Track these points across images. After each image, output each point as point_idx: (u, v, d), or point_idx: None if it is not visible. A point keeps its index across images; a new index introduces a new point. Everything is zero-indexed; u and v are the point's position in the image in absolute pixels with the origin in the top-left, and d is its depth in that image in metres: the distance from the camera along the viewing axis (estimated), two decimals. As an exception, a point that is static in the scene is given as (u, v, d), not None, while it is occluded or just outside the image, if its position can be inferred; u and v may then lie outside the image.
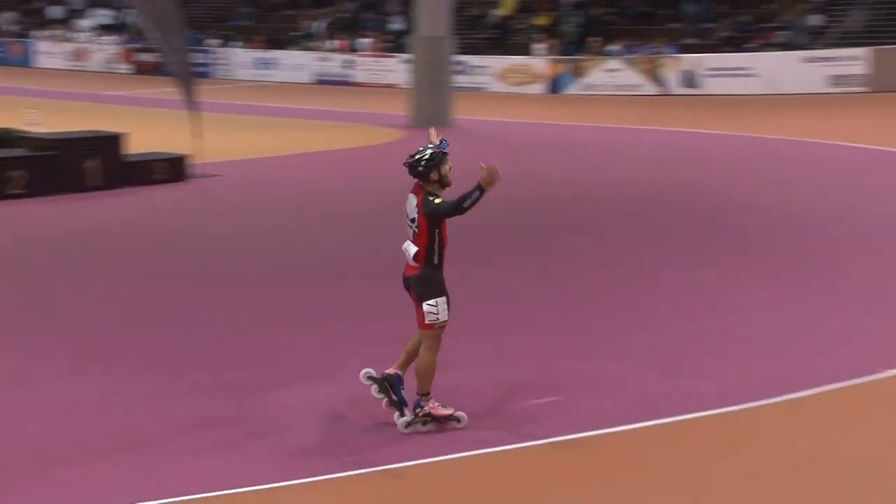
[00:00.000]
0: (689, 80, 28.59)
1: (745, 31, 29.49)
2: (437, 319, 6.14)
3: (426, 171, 6.13)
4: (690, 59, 28.79)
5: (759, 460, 5.95)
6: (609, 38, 31.47)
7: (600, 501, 5.54)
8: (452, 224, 6.16)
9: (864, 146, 17.95)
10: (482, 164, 5.92)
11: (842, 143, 18.46)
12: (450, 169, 6.17)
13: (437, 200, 6.05)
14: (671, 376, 7.27)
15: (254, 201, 14.61)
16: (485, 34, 34.85)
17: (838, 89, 25.86)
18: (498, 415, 6.56)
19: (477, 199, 5.93)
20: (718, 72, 28.14)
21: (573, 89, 30.67)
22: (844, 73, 25.94)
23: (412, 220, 6.15)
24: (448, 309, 6.17)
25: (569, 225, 12.82)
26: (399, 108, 23.72)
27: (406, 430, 6.30)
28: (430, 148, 6.18)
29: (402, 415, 6.36)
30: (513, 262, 10.90)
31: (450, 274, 6.20)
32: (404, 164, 6.19)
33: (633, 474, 5.80)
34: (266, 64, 36.28)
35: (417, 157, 6.14)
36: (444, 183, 6.16)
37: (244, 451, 6.06)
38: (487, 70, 32.26)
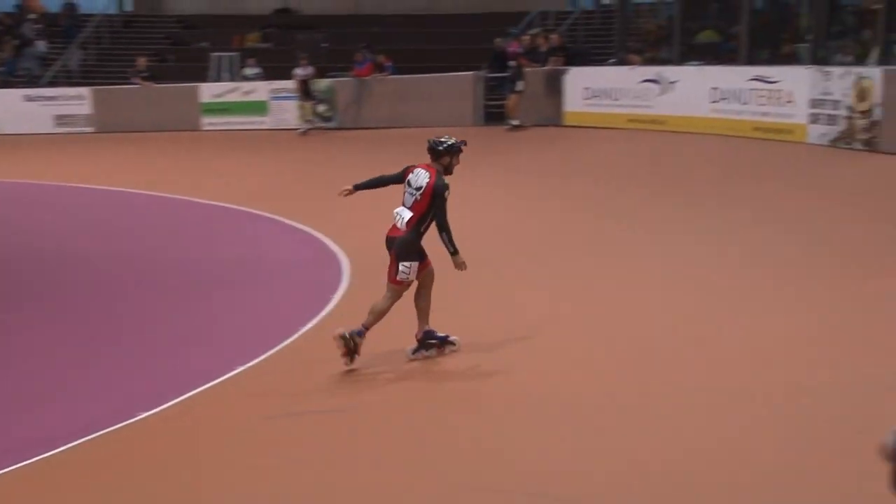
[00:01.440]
0: None
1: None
2: (407, 278, 7.64)
3: (442, 153, 7.73)
4: None
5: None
6: None
7: None
8: None
9: (98, 187, 18.31)
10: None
11: (76, 185, 18.58)
12: (457, 163, 7.83)
13: (447, 192, 7.58)
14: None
15: None
16: None
17: (65, 129, 25.80)
18: None
19: (446, 242, 7.62)
20: None
21: None
22: (70, 112, 25.97)
23: (417, 189, 7.59)
24: (416, 272, 7.64)
25: None
26: None
27: (351, 367, 7.68)
28: (454, 139, 7.80)
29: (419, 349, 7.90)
30: None
31: None
32: (428, 141, 7.82)
33: None
34: None
35: (442, 139, 7.80)
36: (448, 170, 7.74)
37: None
38: None
